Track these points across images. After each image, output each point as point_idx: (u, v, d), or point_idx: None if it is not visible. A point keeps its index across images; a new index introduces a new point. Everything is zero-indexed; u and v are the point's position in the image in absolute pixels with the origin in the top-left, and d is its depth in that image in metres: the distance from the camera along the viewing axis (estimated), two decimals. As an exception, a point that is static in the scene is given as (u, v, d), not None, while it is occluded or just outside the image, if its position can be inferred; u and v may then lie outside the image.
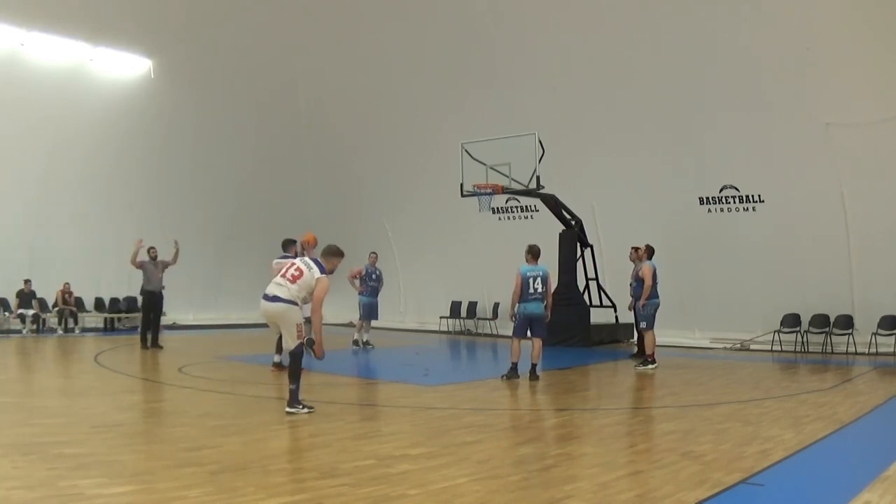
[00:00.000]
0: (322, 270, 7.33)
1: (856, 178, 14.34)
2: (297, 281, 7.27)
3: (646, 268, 11.89)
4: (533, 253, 10.34)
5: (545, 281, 10.14)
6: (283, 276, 7.38)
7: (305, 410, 7.32)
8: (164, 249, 14.73)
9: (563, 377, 11.16)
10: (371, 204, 21.80)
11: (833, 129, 14.34)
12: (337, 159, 22.30)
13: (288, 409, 7.32)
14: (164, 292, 14.41)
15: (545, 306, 10.20)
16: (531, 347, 10.20)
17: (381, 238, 20.86)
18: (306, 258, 7.62)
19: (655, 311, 11.87)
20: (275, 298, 7.28)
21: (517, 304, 10.11)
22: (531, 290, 10.03)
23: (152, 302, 14.18)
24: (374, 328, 15.48)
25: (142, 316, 14.47)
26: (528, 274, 10.07)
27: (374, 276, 14.94)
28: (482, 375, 11.32)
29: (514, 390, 9.51)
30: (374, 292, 14.94)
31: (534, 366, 10.15)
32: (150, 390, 9.41)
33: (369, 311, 14.86)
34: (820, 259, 14.82)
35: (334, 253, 7.58)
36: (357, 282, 14.82)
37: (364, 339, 14.94)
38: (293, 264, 7.52)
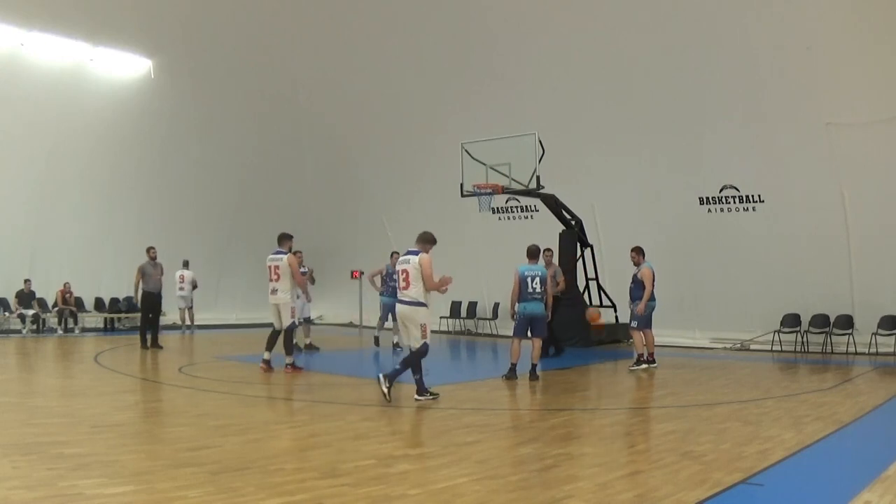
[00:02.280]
0: (417, 254, 8.10)
1: (856, 178, 14.33)
2: (411, 282, 7.98)
3: (645, 270, 11.51)
4: (530, 252, 10.36)
5: (543, 281, 10.14)
6: (400, 287, 8.13)
7: (431, 398, 8.10)
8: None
9: (563, 377, 11.15)
10: (371, 204, 21.79)
11: (833, 129, 14.33)
12: (337, 159, 22.30)
13: (416, 398, 8.08)
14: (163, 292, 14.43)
15: (545, 306, 10.23)
16: (531, 347, 10.21)
17: (381, 238, 20.86)
18: (404, 256, 8.22)
19: (651, 311, 11.66)
20: (401, 301, 8.21)
21: (517, 304, 10.13)
22: (529, 290, 10.03)
23: (151, 302, 14.18)
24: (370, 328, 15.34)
25: (141, 316, 14.47)
26: (525, 273, 10.08)
27: (394, 276, 14.71)
28: (482, 375, 11.33)
29: (514, 390, 9.51)
30: (395, 292, 14.67)
31: (534, 366, 10.16)
32: (150, 390, 9.41)
33: (391, 312, 14.63)
34: (820, 259, 14.81)
35: (427, 240, 8.31)
36: (377, 280, 14.64)
37: (394, 341, 14.45)
38: (402, 271, 8.12)
